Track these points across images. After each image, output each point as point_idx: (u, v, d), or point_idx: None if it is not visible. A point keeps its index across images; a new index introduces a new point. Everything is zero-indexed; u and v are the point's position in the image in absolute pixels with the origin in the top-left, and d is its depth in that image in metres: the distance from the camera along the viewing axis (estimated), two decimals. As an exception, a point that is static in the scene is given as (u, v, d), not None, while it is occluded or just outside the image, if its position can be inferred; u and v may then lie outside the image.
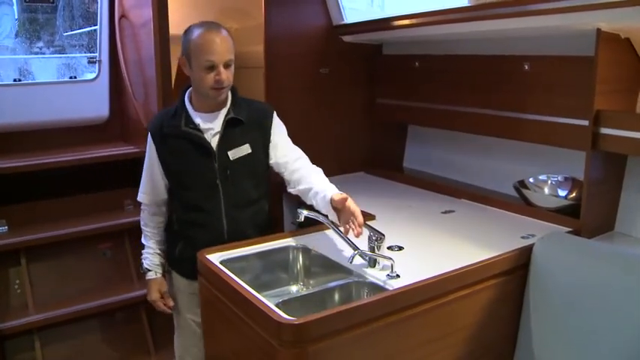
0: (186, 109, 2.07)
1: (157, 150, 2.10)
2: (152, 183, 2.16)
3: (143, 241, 2.25)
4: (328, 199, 1.94)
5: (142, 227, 2.25)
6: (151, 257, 2.23)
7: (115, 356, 3.06)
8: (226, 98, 2.09)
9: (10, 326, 2.77)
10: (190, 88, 2.10)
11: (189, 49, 1.97)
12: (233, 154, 2.07)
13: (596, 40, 1.98)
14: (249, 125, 2.10)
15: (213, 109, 2.07)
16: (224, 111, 2.08)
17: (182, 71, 2.09)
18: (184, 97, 2.11)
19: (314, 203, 2.05)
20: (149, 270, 2.22)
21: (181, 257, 2.17)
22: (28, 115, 3.18)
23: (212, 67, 1.94)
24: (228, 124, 2.06)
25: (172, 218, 2.20)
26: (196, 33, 1.96)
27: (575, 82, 2.16)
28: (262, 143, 2.13)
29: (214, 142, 2.06)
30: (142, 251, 2.25)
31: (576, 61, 2.16)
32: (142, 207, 2.24)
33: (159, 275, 2.23)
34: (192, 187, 2.09)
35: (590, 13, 1.87)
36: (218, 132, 2.06)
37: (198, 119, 2.06)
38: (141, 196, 2.21)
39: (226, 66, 1.97)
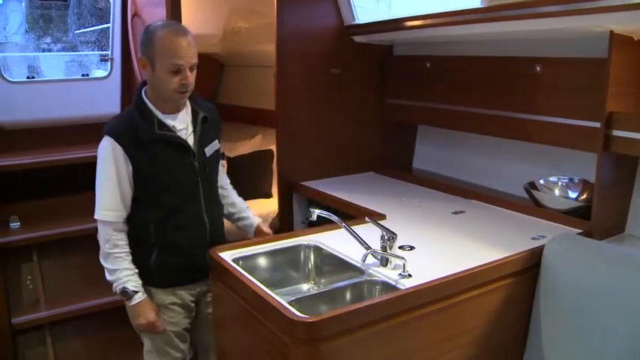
0: (152, 112, 2.01)
1: (129, 157, 1.96)
2: (122, 196, 1.99)
3: (115, 265, 1.98)
4: (255, 226, 2.32)
5: (110, 251, 1.98)
6: (134, 278, 2.01)
7: (125, 352, 3.08)
8: None
9: (22, 321, 2.80)
10: (144, 89, 2.04)
11: (154, 51, 1.92)
12: (208, 151, 2.10)
13: (609, 42, 1.98)
14: (211, 122, 2.14)
15: (177, 109, 2.05)
16: (186, 110, 2.08)
17: None
18: (142, 99, 2.02)
19: (232, 217, 2.34)
20: (136, 291, 2.00)
21: (159, 266, 2.05)
22: (41, 113, 3.21)
23: (178, 71, 1.91)
24: (201, 122, 2.08)
25: (149, 228, 2.03)
26: (161, 34, 1.92)
27: (587, 84, 2.15)
28: (218, 140, 2.19)
29: (190, 141, 2.05)
30: (117, 277, 1.98)
31: (588, 63, 2.16)
32: (104, 227, 1.99)
33: (146, 295, 2.03)
34: (173, 190, 2.03)
35: (603, 16, 1.87)
36: (191, 131, 2.06)
37: (169, 121, 2.02)
38: (107, 214, 1.98)
39: (191, 69, 1.95)
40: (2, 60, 3.30)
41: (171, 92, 1.95)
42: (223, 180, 2.31)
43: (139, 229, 2.04)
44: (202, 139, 2.07)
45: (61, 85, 3.33)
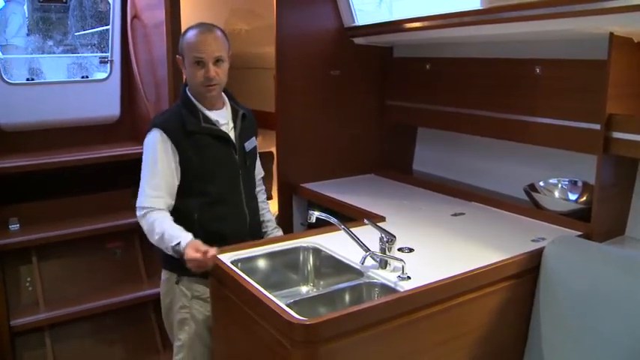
0: (197, 107, 2.13)
1: (176, 148, 2.06)
2: (167, 185, 2.07)
3: (158, 234, 1.99)
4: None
5: (149, 219, 2.02)
6: (171, 232, 1.98)
7: (124, 354, 3.08)
8: (221, 95, 2.20)
9: (21, 323, 2.80)
10: (187, 88, 2.16)
11: (183, 47, 2.10)
12: (247, 146, 2.24)
13: (609, 43, 1.98)
14: (249, 120, 2.27)
15: (219, 106, 2.19)
16: (227, 107, 2.22)
17: None
18: (188, 96, 2.15)
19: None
20: (179, 243, 1.95)
21: None
22: (40, 115, 3.21)
23: (201, 64, 2.04)
24: (241, 118, 2.21)
25: (193, 218, 2.09)
26: (190, 33, 2.09)
27: (587, 86, 2.15)
28: (255, 138, 2.32)
29: (232, 135, 2.18)
30: (164, 244, 1.99)
31: (588, 65, 2.16)
32: (147, 213, 2.04)
33: (186, 239, 1.96)
34: (216, 181, 2.13)
35: (604, 17, 1.87)
36: (232, 127, 2.19)
37: (213, 116, 2.14)
38: (153, 201, 2.04)
39: (216, 62, 2.06)
40: (2, 62, 3.30)
41: (198, 86, 2.08)
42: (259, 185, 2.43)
43: (183, 219, 2.09)
44: (242, 135, 2.21)
45: (61, 87, 3.34)
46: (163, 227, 2.01)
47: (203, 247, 1.93)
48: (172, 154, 2.07)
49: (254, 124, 2.33)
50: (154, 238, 2.04)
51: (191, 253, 1.91)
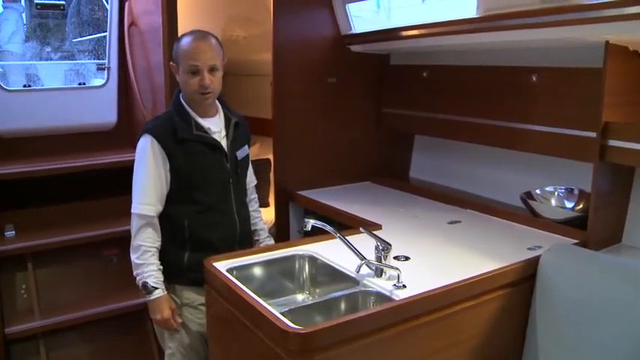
0: (190, 114, 2.12)
1: (167, 154, 2.06)
2: (157, 191, 2.08)
3: (141, 260, 2.05)
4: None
5: (140, 243, 2.06)
6: (157, 274, 2.06)
7: (120, 362, 3.07)
8: (215, 103, 2.19)
9: (16, 331, 2.79)
10: (181, 94, 2.16)
11: (178, 55, 2.08)
12: (239, 155, 2.22)
13: (604, 52, 1.98)
14: (242, 129, 2.25)
15: (212, 114, 2.17)
16: (220, 115, 2.20)
17: None
18: (181, 103, 2.13)
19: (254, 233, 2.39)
20: (156, 288, 2.05)
21: (192, 264, 2.09)
22: (37, 121, 3.21)
23: (196, 72, 2.04)
24: (234, 127, 2.20)
25: (183, 225, 2.10)
26: (184, 40, 2.08)
27: (583, 94, 2.16)
28: (248, 146, 2.31)
29: (224, 143, 2.17)
30: (142, 270, 2.05)
31: (584, 73, 2.16)
32: (139, 222, 2.06)
33: (165, 292, 2.09)
34: (207, 189, 2.12)
35: (599, 26, 1.87)
36: (224, 135, 2.18)
37: (205, 124, 2.13)
38: (144, 208, 2.06)
39: (211, 71, 2.06)
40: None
41: (192, 93, 2.08)
42: (251, 194, 2.42)
43: (173, 226, 2.12)
44: (234, 143, 2.20)
45: (58, 94, 3.33)
46: (145, 260, 2.07)
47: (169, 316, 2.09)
48: (163, 160, 2.07)
49: (247, 132, 2.31)
50: (132, 256, 2.09)
51: (166, 310, 2.07)
